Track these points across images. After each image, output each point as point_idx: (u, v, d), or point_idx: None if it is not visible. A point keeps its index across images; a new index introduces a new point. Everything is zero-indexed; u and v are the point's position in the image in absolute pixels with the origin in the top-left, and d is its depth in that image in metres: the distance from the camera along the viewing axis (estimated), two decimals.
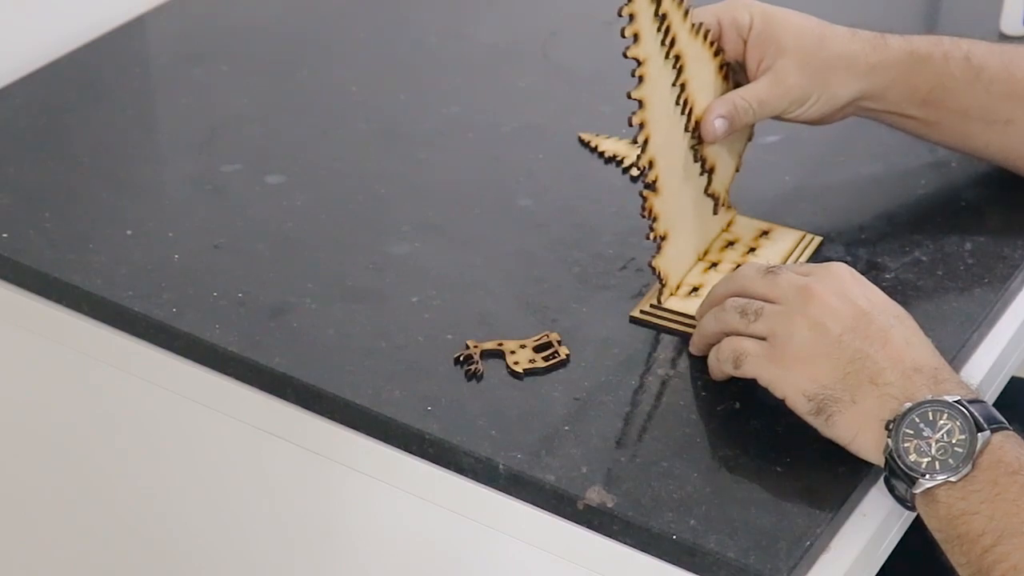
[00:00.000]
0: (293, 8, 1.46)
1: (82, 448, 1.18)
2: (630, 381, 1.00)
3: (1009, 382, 1.11)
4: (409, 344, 1.02)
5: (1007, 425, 0.88)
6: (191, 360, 1.04)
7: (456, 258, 1.10)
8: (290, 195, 1.18)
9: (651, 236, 1.03)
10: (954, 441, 0.87)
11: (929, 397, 0.88)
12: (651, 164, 1.01)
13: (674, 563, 0.89)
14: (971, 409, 0.87)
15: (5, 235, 1.13)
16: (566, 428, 0.95)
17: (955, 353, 1.02)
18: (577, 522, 0.91)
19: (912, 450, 0.87)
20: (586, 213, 1.15)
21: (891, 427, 0.88)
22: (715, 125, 1.06)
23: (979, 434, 0.86)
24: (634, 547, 0.90)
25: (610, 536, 0.91)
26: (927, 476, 0.87)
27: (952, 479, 0.86)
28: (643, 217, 1.02)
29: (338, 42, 1.40)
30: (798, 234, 1.11)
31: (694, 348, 1.01)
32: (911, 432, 0.88)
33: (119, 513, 1.20)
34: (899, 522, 0.95)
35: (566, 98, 1.30)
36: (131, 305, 1.06)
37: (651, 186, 1.01)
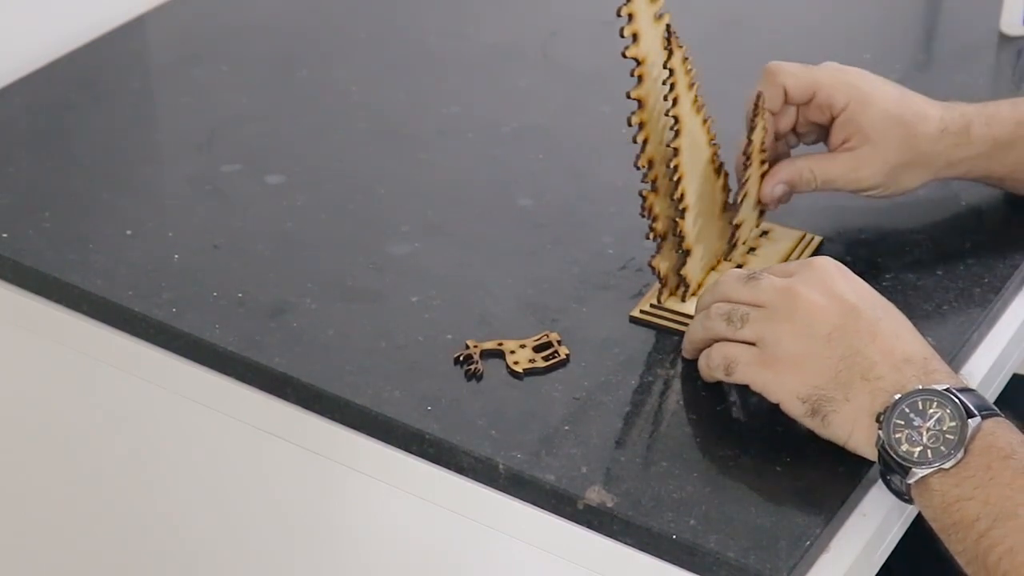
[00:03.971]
0: (293, 8, 1.46)
1: (82, 448, 1.18)
2: (630, 381, 1.00)
3: (1011, 380, 1.11)
4: (409, 344, 1.02)
5: (998, 412, 0.88)
6: (191, 360, 1.04)
7: (456, 258, 1.10)
8: (290, 195, 1.18)
9: (651, 236, 1.03)
10: (945, 429, 0.87)
11: (919, 387, 0.88)
12: (651, 164, 1.01)
13: (674, 563, 0.89)
14: (961, 396, 0.87)
15: (5, 235, 1.13)
16: (566, 428, 0.95)
17: (955, 353, 1.02)
18: (577, 522, 0.91)
19: (904, 440, 0.87)
20: (586, 213, 1.15)
21: (881, 419, 0.89)
22: (775, 191, 1.07)
23: (970, 420, 0.86)
24: (634, 547, 0.90)
25: (610, 536, 0.91)
26: (920, 465, 0.87)
27: (945, 466, 0.86)
28: (642, 216, 1.02)
29: (338, 42, 1.40)
30: (798, 234, 1.11)
31: (686, 353, 1.01)
32: (901, 423, 0.88)
33: (119, 513, 1.20)
34: (899, 522, 0.95)
35: (566, 98, 1.30)
36: (131, 305, 1.06)
37: (651, 186, 1.01)
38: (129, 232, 1.13)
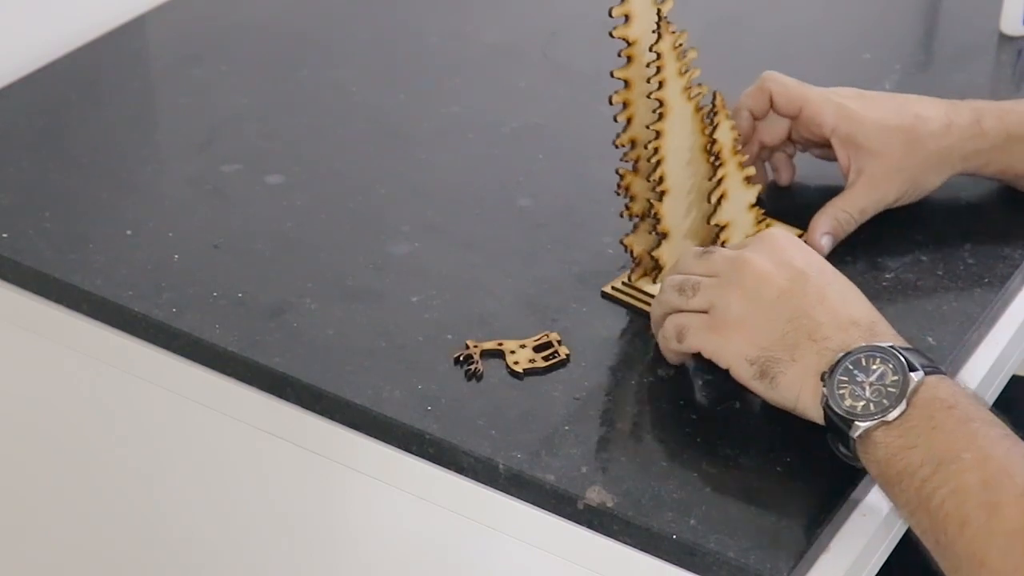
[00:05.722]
0: (293, 8, 1.46)
1: (82, 448, 1.18)
2: (630, 381, 1.00)
3: (1010, 381, 1.11)
4: (409, 344, 1.02)
5: (942, 370, 0.89)
6: (191, 360, 1.04)
7: (456, 258, 1.10)
8: (290, 195, 1.18)
9: (625, 214, 1.04)
10: (887, 383, 0.87)
11: (863, 344, 0.89)
12: (633, 144, 1.02)
13: (674, 563, 0.89)
14: (904, 352, 0.88)
15: (5, 235, 1.13)
16: (566, 428, 0.95)
17: (955, 353, 1.02)
18: (577, 522, 0.92)
19: (847, 396, 0.88)
20: (586, 213, 1.15)
21: (826, 377, 0.89)
22: (821, 243, 1.08)
23: (912, 374, 0.87)
24: (634, 547, 0.90)
25: (610, 536, 0.91)
26: (862, 418, 0.87)
27: (887, 419, 0.86)
28: (617, 194, 1.03)
29: (338, 42, 1.40)
30: (796, 232, 1.11)
31: (654, 332, 1.01)
32: (845, 379, 0.88)
33: (119, 513, 1.20)
34: (899, 522, 0.95)
35: (566, 98, 1.30)
36: (131, 305, 1.06)
37: (632, 165, 1.02)
38: (129, 232, 1.13)
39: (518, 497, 0.93)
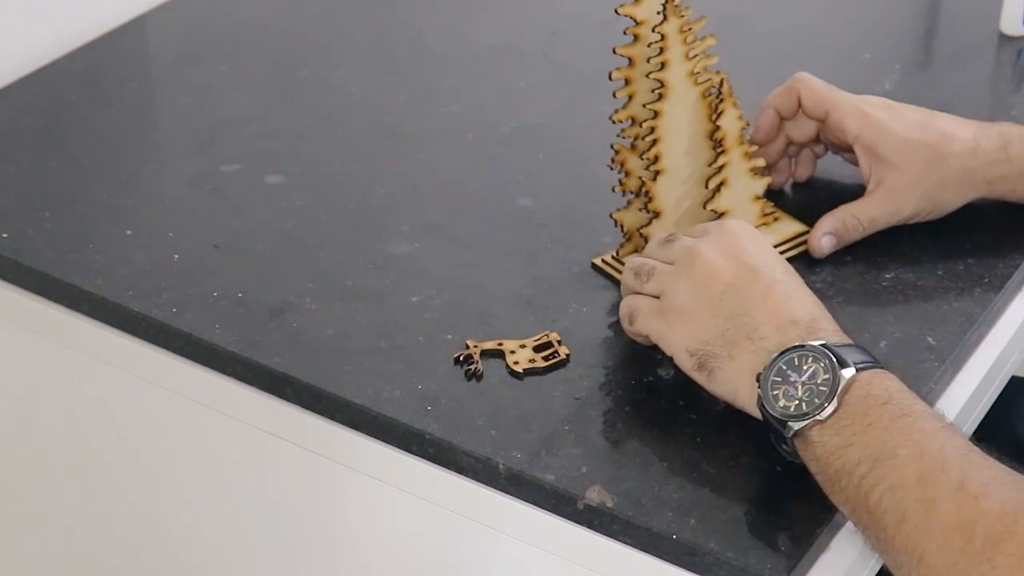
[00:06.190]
0: (293, 8, 1.46)
1: (82, 448, 1.18)
2: (630, 381, 1.00)
3: (1009, 382, 1.11)
4: (409, 344, 1.02)
5: (878, 364, 0.89)
6: (191, 360, 1.04)
7: (456, 258, 1.10)
8: (290, 195, 1.18)
9: (618, 189, 1.06)
10: (819, 381, 0.88)
11: (797, 344, 0.89)
12: (632, 121, 1.03)
13: (674, 563, 0.89)
14: (835, 350, 0.88)
15: (5, 235, 1.13)
16: (566, 428, 0.95)
17: (955, 353, 1.01)
18: (577, 522, 0.92)
19: (781, 396, 0.88)
20: (586, 213, 1.15)
21: (760, 378, 0.89)
22: (822, 242, 1.08)
23: (842, 371, 0.87)
24: (634, 547, 0.90)
25: (610, 536, 0.91)
26: (795, 419, 0.87)
27: (819, 417, 0.87)
28: (610, 168, 1.04)
29: (338, 42, 1.40)
30: (803, 228, 1.11)
31: None
32: (779, 379, 0.89)
33: (119, 513, 1.20)
34: None
35: (566, 98, 1.30)
36: (131, 305, 1.06)
37: (630, 143, 1.03)
38: (129, 232, 1.13)
39: (518, 497, 0.93)
